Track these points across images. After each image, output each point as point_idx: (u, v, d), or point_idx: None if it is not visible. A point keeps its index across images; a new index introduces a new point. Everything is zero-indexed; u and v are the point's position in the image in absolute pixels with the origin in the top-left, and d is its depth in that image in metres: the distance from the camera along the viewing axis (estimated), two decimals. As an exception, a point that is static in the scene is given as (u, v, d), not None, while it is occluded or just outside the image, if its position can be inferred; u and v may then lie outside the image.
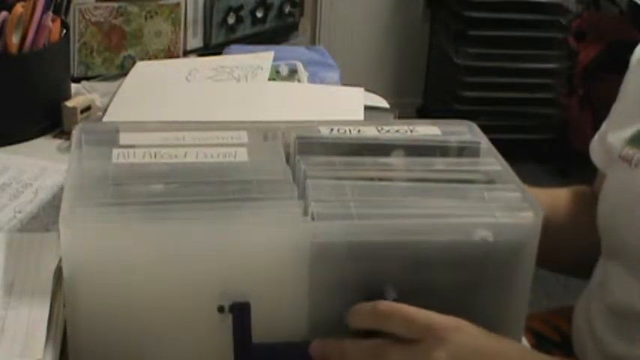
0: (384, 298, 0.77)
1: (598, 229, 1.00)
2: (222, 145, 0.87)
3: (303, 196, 0.80)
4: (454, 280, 0.79)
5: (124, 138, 0.87)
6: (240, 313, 0.76)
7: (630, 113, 1.00)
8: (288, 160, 0.86)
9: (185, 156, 0.85)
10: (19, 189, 1.07)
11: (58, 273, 0.86)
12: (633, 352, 0.96)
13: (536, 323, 1.13)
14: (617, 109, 1.04)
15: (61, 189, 1.06)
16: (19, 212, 1.02)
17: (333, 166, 0.84)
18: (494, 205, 0.80)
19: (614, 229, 0.97)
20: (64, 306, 0.78)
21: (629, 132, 0.98)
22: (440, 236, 0.74)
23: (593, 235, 1.01)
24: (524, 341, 0.87)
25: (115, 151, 0.85)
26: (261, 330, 0.77)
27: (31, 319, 0.79)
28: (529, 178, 0.86)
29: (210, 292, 0.76)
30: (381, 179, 0.83)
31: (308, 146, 0.86)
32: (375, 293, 0.77)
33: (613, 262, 0.99)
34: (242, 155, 0.86)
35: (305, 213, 0.77)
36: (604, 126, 1.05)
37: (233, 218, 0.76)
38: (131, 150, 0.85)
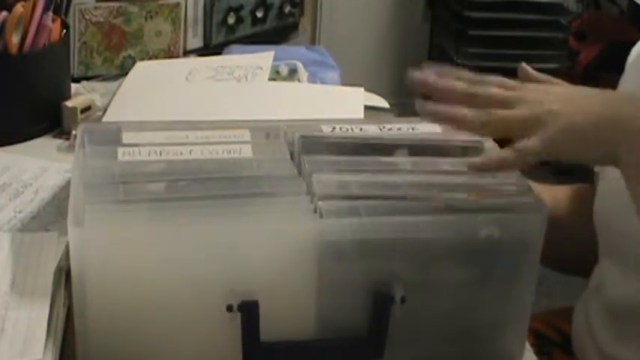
0: (392, 295, 0.77)
1: (595, 228, 1.00)
2: (226, 143, 0.87)
3: (309, 192, 0.80)
4: (461, 276, 0.80)
5: (127, 138, 0.87)
6: (248, 311, 0.77)
7: None
8: (292, 159, 0.86)
9: (190, 154, 0.85)
10: (20, 189, 1.07)
11: (58, 273, 0.86)
12: (631, 353, 0.96)
13: (536, 323, 1.13)
14: None
15: (62, 189, 1.06)
16: (19, 212, 1.02)
17: (337, 163, 0.84)
18: (500, 201, 0.80)
19: (610, 228, 0.97)
20: (73, 305, 0.78)
21: None
22: (446, 233, 0.75)
23: (593, 234, 1.01)
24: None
25: (121, 150, 0.85)
26: (270, 328, 0.77)
27: (31, 319, 0.79)
28: (529, 177, 0.86)
29: (219, 291, 0.76)
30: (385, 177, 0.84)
31: (312, 145, 0.86)
32: (382, 290, 0.78)
33: (609, 261, 0.99)
34: (247, 152, 0.86)
35: (313, 210, 0.78)
36: None
37: (242, 216, 0.76)
38: (136, 148, 0.85)
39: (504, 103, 0.79)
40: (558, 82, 0.84)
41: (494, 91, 0.80)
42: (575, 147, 0.77)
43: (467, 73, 0.83)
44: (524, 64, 0.85)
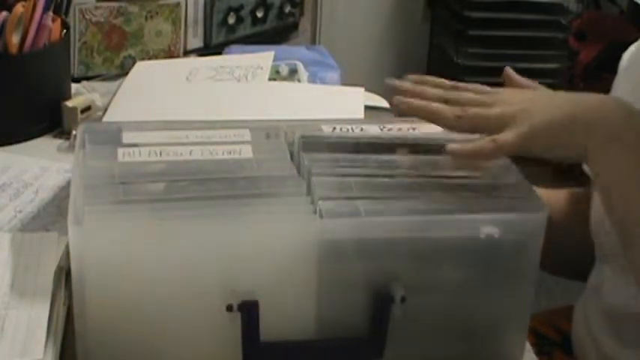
0: (392, 295, 0.77)
1: (591, 232, 1.00)
2: (226, 143, 0.87)
3: (309, 192, 0.80)
4: (460, 276, 0.80)
5: (127, 137, 0.87)
6: (248, 311, 0.77)
7: None
8: (292, 158, 0.86)
9: (190, 154, 0.85)
10: (20, 189, 1.07)
11: (58, 273, 0.86)
12: (628, 353, 0.96)
13: (536, 323, 1.13)
14: None
15: (62, 189, 1.06)
16: (20, 212, 1.02)
17: (337, 162, 0.84)
18: (500, 201, 0.80)
19: (606, 232, 0.97)
20: (73, 305, 0.78)
21: None
22: (446, 233, 0.75)
23: (589, 237, 1.01)
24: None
25: (121, 150, 0.85)
26: (270, 328, 0.77)
27: (31, 319, 0.80)
28: (529, 178, 0.86)
29: (219, 291, 0.76)
30: (386, 176, 0.83)
31: (312, 145, 0.86)
32: (382, 290, 0.78)
33: (606, 264, 0.99)
34: (247, 152, 0.86)
35: (313, 210, 0.78)
36: None
37: (242, 217, 0.76)
38: (136, 149, 0.85)
39: (479, 105, 0.82)
40: (539, 87, 0.88)
41: (470, 95, 0.83)
42: (546, 143, 0.80)
43: (444, 81, 0.86)
44: (508, 68, 0.88)
